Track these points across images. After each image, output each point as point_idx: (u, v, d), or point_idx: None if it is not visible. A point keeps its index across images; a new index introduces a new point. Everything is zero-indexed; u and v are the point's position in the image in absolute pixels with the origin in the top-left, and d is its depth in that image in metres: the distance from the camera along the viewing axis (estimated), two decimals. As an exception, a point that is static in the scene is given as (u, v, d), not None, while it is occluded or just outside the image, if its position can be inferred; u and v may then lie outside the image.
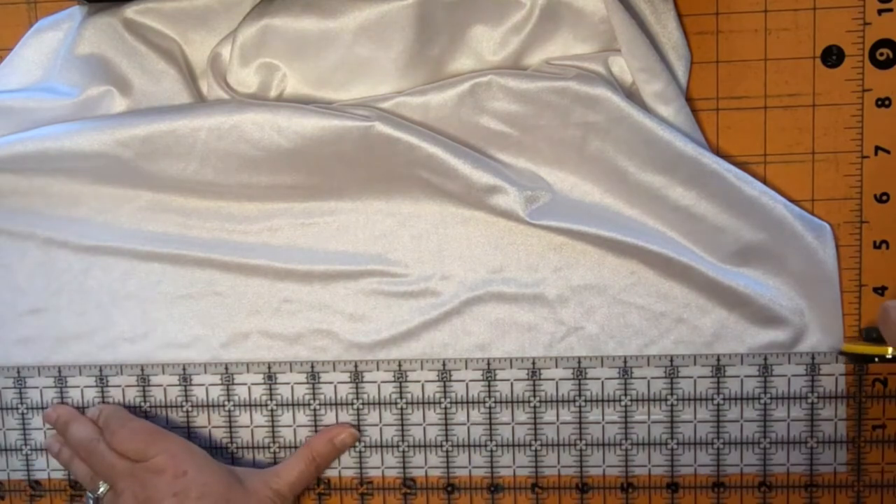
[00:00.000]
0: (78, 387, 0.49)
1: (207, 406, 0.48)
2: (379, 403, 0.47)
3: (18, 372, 0.49)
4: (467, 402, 0.47)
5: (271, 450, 0.48)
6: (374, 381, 0.47)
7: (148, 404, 0.48)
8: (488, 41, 0.44)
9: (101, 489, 0.44)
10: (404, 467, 0.48)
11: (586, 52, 0.44)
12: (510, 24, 0.44)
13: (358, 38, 0.44)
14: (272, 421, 0.48)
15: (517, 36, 0.44)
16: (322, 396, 0.48)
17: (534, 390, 0.47)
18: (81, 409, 0.48)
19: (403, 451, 0.48)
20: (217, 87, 0.45)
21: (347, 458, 0.48)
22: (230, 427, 0.48)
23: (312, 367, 0.48)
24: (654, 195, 0.44)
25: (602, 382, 0.46)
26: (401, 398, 0.47)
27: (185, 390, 0.48)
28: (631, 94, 0.44)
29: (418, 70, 0.44)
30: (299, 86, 0.45)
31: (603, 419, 0.46)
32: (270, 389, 0.48)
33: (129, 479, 0.43)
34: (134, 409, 0.48)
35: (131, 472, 0.43)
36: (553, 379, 0.46)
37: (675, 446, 0.46)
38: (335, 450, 0.47)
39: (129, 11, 0.45)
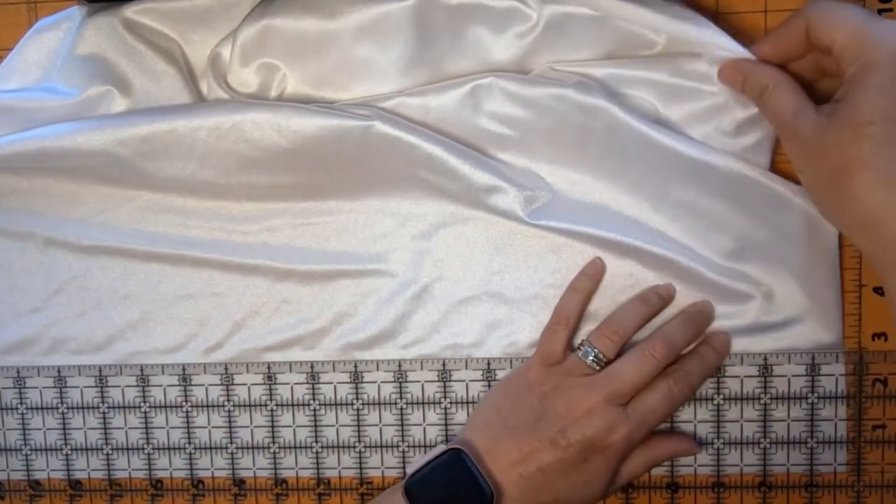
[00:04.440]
0: (77, 387, 0.49)
1: (207, 406, 0.48)
2: (379, 403, 0.47)
3: (18, 372, 0.49)
4: (467, 402, 0.47)
5: (271, 450, 0.48)
6: (374, 381, 0.47)
7: (147, 404, 0.48)
8: (491, 45, 0.44)
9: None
10: (404, 467, 0.48)
11: (590, 57, 0.44)
12: (514, 32, 0.44)
13: (358, 39, 0.43)
14: (272, 421, 0.48)
15: (521, 41, 0.44)
16: (322, 396, 0.48)
17: (534, 390, 0.47)
18: (81, 409, 0.48)
19: (403, 452, 0.48)
20: (217, 86, 0.45)
21: (347, 459, 0.48)
22: (230, 427, 0.48)
23: (312, 367, 0.48)
24: (654, 194, 0.44)
25: (602, 382, 0.46)
26: (400, 398, 0.47)
27: (185, 390, 0.48)
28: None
29: (419, 71, 0.44)
30: (300, 86, 0.45)
31: (603, 419, 0.46)
32: (270, 390, 0.48)
33: None
34: (134, 410, 0.48)
35: None
36: (553, 379, 0.46)
37: (675, 446, 0.46)
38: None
39: (129, 11, 0.45)
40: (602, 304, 0.46)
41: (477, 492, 0.41)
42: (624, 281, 0.45)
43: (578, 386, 0.42)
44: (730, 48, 0.41)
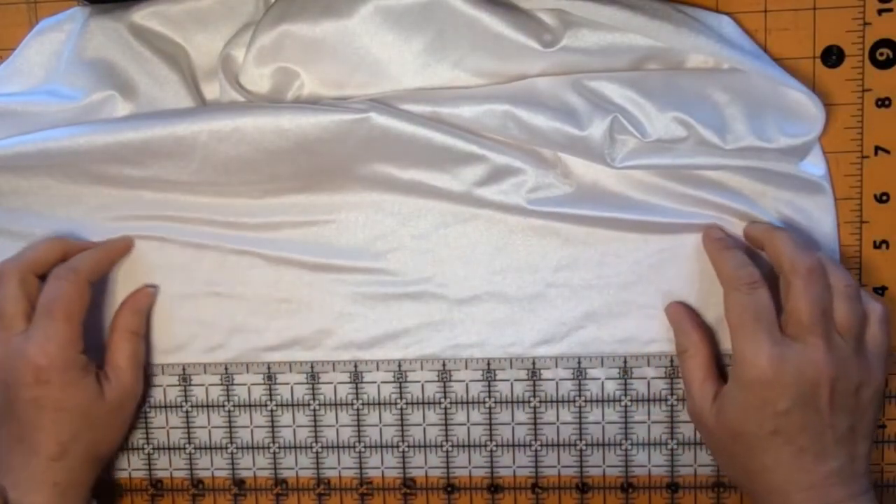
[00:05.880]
0: (77, 387, 0.49)
1: (207, 406, 0.48)
2: (379, 403, 0.47)
3: (18, 372, 0.49)
4: (467, 402, 0.47)
5: (271, 450, 0.48)
6: (374, 382, 0.47)
7: (147, 404, 0.48)
8: (513, 51, 0.43)
9: None
10: (404, 467, 0.48)
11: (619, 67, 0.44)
12: (536, 41, 0.43)
13: (377, 33, 0.43)
14: (272, 421, 0.48)
15: (546, 50, 0.43)
16: (322, 397, 0.48)
17: (534, 390, 0.47)
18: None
19: (403, 452, 0.48)
20: (229, 87, 0.44)
21: (347, 459, 0.48)
22: (230, 427, 0.48)
23: (312, 367, 0.48)
24: (661, 187, 0.45)
25: (602, 382, 0.46)
26: (401, 398, 0.47)
27: (185, 390, 0.48)
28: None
29: (439, 68, 0.44)
30: (317, 89, 0.45)
31: (603, 419, 0.46)
32: (270, 390, 0.48)
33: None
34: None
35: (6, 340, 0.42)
36: (553, 379, 0.46)
37: (676, 446, 0.46)
38: (143, 314, 0.47)
39: (136, 16, 0.45)
40: (603, 302, 0.46)
41: None
42: (626, 279, 0.45)
43: None
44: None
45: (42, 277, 0.44)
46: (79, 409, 0.42)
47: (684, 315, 0.44)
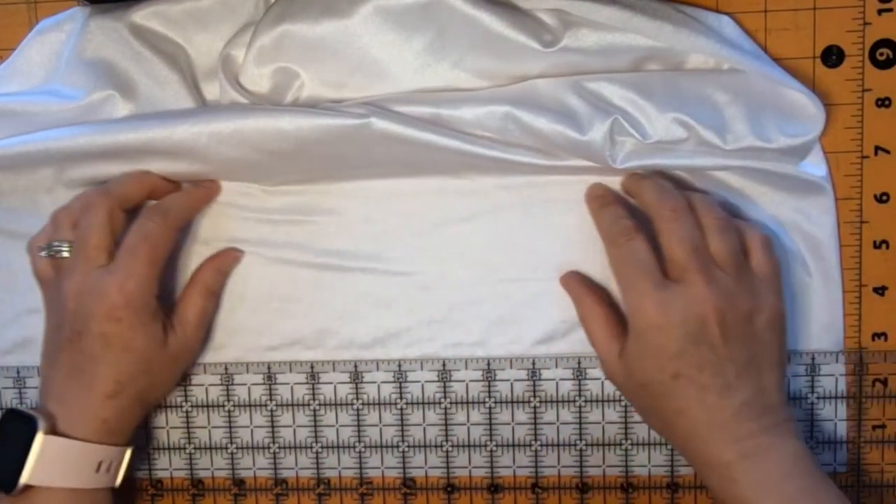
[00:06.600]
0: (77, 387, 0.49)
1: (207, 406, 0.48)
2: (379, 404, 0.47)
3: (18, 372, 0.49)
4: (467, 402, 0.47)
5: (271, 450, 0.48)
6: (374, 382, 0.47)
7: (147, 404, 0.48)
8: (513, 51, 0.43)
9: (66, 248, 0.43)
10: (404, 467, 0.48)
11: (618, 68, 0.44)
12: (536, 41, 0.43)
13: (377, 33, 0.43)
14: (272, 421, 0.48)
15: (546, 50, 0.43)
16: (322, 397, 0.48)
17: (534, 390, 0.47)
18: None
19: (403, 452, 0.48)
20: (229, 87, 0.44)
21: (347, 459, 0.48)
22: (229, 427, 0.48)
23: (312, 367, 0.48)
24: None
25: (602, 382, 0.46)
26: (401, 398, 0.47)
27: (185, 390, 0.48)
28: None
29: (438, 69, 0.44)
30: (317, 89, 0.45)
31: (603, 419, 0.46)
32: (270, 390, 0.48)
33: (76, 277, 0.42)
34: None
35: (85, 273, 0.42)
36: (553, 379, 0.46)
37: (676, 446, 0.46)
38: (225, 276, 0.47)
39: (136, 16, 0.45)
40: (584, 255, 0.46)
41: (29, 426, 0.40)
42: None
43: (60, 278, 0.42)
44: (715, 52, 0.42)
45: (127, 212, 0.44)
46: (142, 352, 0.42)
47: (576, 283, 0.45)
